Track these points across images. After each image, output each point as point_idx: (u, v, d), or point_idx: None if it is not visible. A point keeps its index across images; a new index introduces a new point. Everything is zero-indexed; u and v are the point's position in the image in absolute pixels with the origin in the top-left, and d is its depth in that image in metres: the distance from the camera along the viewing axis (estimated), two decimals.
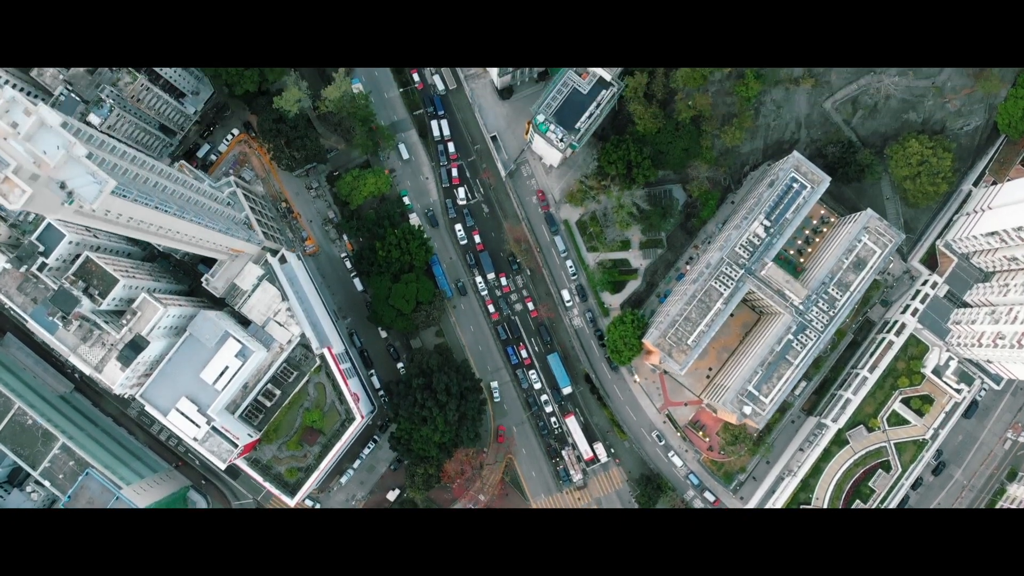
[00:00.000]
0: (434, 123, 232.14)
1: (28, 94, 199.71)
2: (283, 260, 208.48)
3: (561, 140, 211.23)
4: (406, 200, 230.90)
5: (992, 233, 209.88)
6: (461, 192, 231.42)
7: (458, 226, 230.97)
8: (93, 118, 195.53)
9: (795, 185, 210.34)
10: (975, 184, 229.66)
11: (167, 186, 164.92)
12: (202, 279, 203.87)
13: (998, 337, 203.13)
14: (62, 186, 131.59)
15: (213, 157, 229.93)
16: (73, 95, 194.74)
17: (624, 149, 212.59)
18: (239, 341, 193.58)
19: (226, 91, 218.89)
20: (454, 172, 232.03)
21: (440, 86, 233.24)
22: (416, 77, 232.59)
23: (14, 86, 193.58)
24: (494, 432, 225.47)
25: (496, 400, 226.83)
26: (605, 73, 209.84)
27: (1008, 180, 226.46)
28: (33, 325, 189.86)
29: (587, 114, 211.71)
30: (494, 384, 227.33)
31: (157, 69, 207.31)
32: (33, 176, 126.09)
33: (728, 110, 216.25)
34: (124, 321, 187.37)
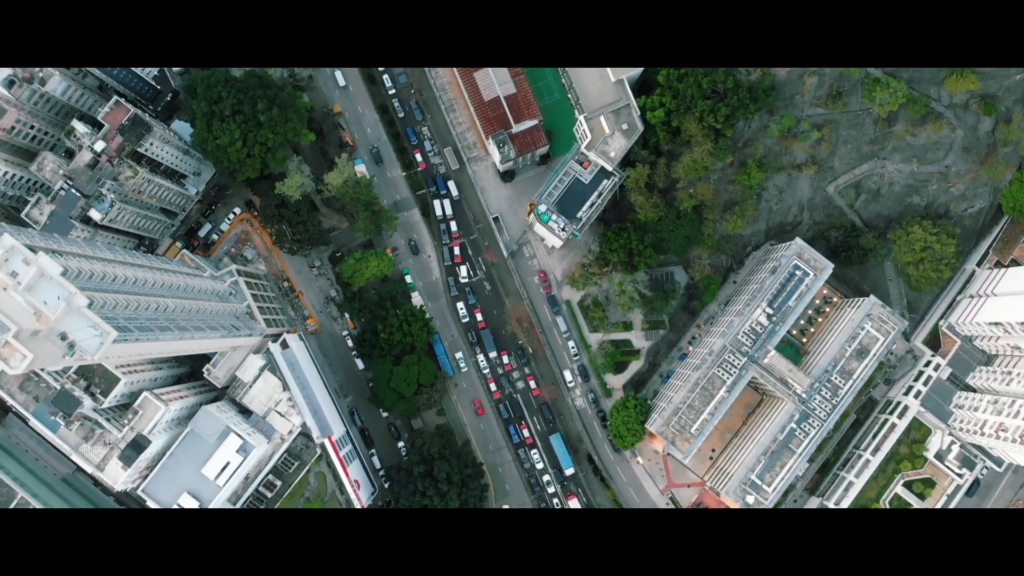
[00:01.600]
0: (436, 202, 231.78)
1: (29, 187, 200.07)
2: (285, 345, 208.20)
3: (563, 229, 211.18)
4: (408, 279, 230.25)
5: (996, 323, 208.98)
6: (463, 270, 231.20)
7: (460, 304, 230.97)
8: (94, 213, 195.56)
9: (798, 272, 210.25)
10: (979, 264, 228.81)
11: (168, 305, 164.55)
12: (203, 369, 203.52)
13: (1000, 428, 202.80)
14: (63, 337, 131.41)
15: (215, 236, 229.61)
16: (73, 190, 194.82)
17: (625, 237, 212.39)
18: (240, 436, 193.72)
19: (228, 176, 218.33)
20: (456, 250, 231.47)
21: (443, 167, 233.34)
22: (419, 157, 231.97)
23: (12, 178, 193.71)
24: None
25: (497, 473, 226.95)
26: (606, 163, 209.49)
27: (1011, 265, 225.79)
28: (35, 423, 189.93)
29: (588, 203, 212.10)
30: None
31: (158, 157, 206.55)
32: (34, 332, 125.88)
33: (730, 197, 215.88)
34: (126, 420, 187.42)
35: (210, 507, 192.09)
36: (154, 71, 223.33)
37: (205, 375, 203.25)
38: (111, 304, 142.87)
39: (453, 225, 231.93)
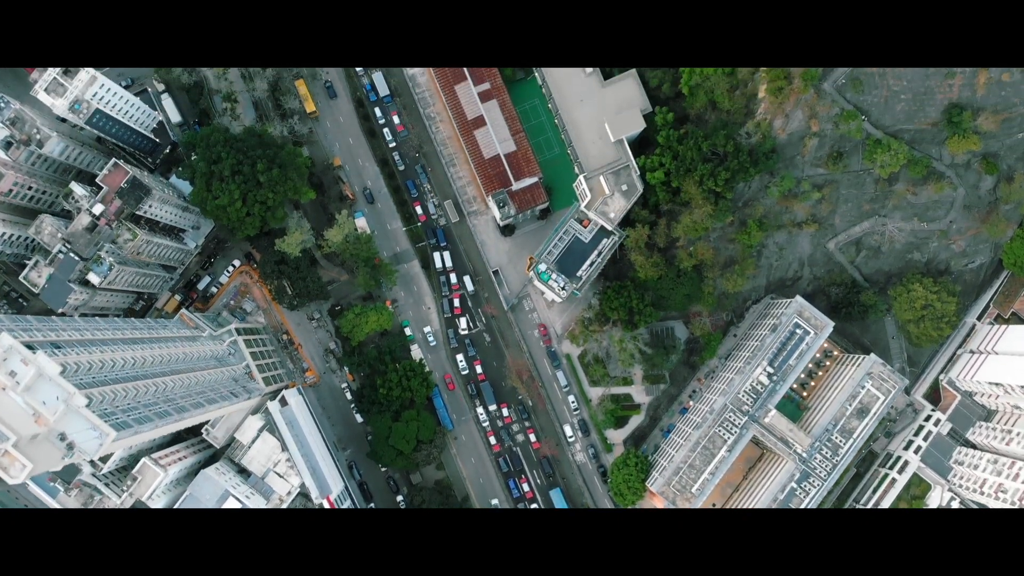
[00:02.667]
0: (436, 254, 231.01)
1: (29, 246, 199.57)
2: (284, 402, 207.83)
3: (563, 288, 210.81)
4: (408, 331, 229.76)
5: (996, 383, 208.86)
6: (463, 322, 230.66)
7: (459, 356, 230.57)
8: (93, 277, 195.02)
9: (798, 331, 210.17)
10: (979, 318, 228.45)
11: (167, 384, 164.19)
12: (203, 429, 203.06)
13: (1000, 490, 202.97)
14: (62, 438, 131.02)
15: (214, 289, 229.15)
16: (72, 254, 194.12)
17: (626, 296, 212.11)
18: (239, 499, 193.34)
19: (227, 231, 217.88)
20: (456, 302, 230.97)
21: (443, 220, 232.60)
22: (419, 210, 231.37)
23: (11, 238, 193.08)
24: None
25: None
26: (606, 223, 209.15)
27: (1012, 319, 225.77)
28: (34, 488, 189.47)
29: (588, 262, 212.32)
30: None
31: (156, 217, 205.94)
32: (33, 436, 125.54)
33: (730, 255, 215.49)
34: (125, 486, 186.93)
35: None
36: (153, 123, 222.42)
37: (204, 435, 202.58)
38: (110, 398, 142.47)
39: (453, 277, 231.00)
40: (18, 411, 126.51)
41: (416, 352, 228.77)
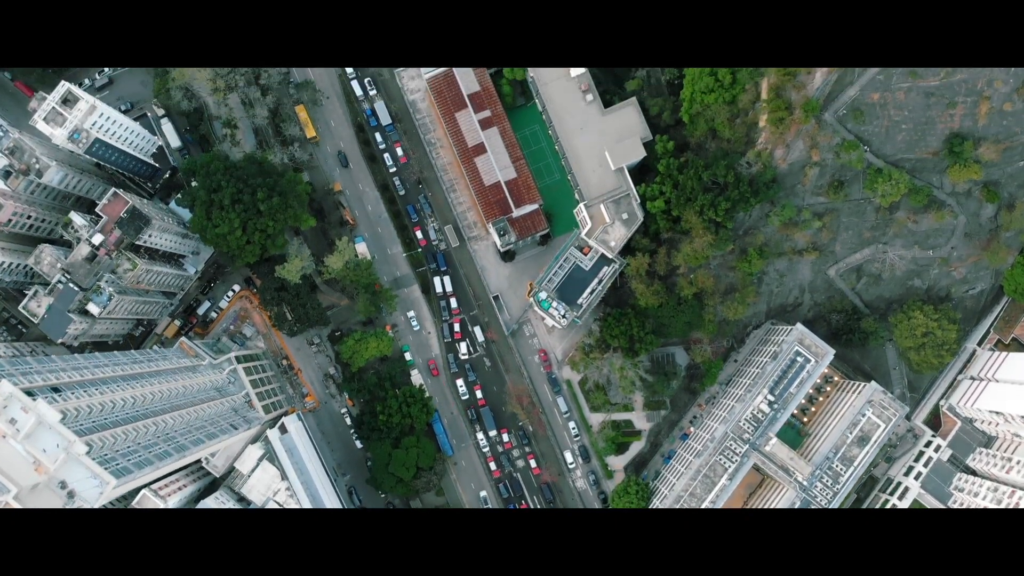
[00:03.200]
0: (437, 279, 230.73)
1: (28, 273, 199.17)
2: (283, 430, 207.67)
3: (564, 316, 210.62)
4: (408, 356, 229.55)
5: (997, 412, 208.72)
6: (463, 347, 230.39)
7: (459, 381, 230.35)
8: (92, 307, 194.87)
9: (799, 359, 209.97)
10: (979, 343, 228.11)
11: (167, 422, 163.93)
12: (202, 459, 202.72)
13: None
14: (62, 486, 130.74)
15: (214, 314, 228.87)
16: (71, 284, 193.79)
17: (626, 323, 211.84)
18: None
19: (227, 258, 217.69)
20: (456, 327, 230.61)
21: (443, 244, 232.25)
22: (419, 235, 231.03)
23: (10, 266, 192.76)
24: None
25: None
26: (607, 251, 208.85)
27: (1013, 344, 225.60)
28: None
29: (589, 290, 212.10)
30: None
31: (156, 246, 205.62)
32: (33, 485, 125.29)
33: (730, 282, 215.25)
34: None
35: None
36: (153, 149, 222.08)
37: (203, 464, 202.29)
38: (110, 443, 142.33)
39: (453, 301, 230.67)
40: (18, 460, 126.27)
41: (416, 377, 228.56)
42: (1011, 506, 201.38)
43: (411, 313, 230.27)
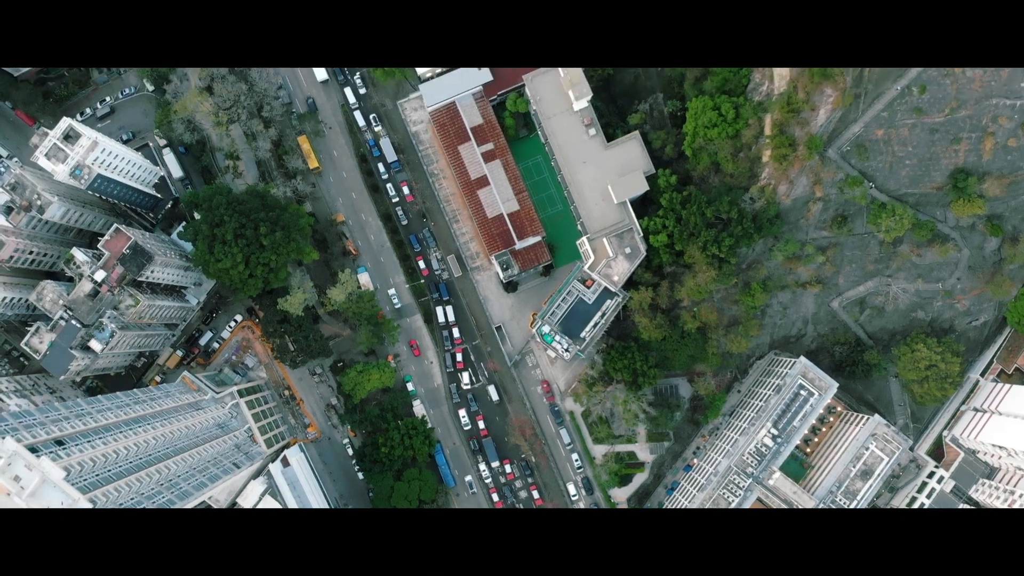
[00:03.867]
0: (439, 309, 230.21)
1: (29, 308, 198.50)
2: (285, 463, 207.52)
3: (567, 350, 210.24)
4: (410, 386, 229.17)
5: (1000, 447, 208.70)
6: (465, 377, 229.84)
7: (462, 411, 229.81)
8: (95, 344, 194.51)
9: (802, 392, 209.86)
10: (983, 374, 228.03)
11: (170, 468, 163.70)
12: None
13: None
14: None
15: (216, 344, 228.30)
16: (73, 321, 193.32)
17: (629, 357, 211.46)
18: None
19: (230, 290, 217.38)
20: (459, 356, 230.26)
21: (446, 274, 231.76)
22: (422, 264, 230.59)
23: (12, 301, 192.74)
24: None
25: None
26: (610, 285, 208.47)
27: (1016, 375, 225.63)
28: None
29: (592, 323, 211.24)
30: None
31: (159, 280, 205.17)
32: None
33: (733, 315, 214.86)
34: None
35: None
36: (155, 179, 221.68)
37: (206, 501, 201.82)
38: (113, 496, 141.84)
39: (456, 331, 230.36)
40: None
41: (418, 408, 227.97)
42: None
43: (392, 291, 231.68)
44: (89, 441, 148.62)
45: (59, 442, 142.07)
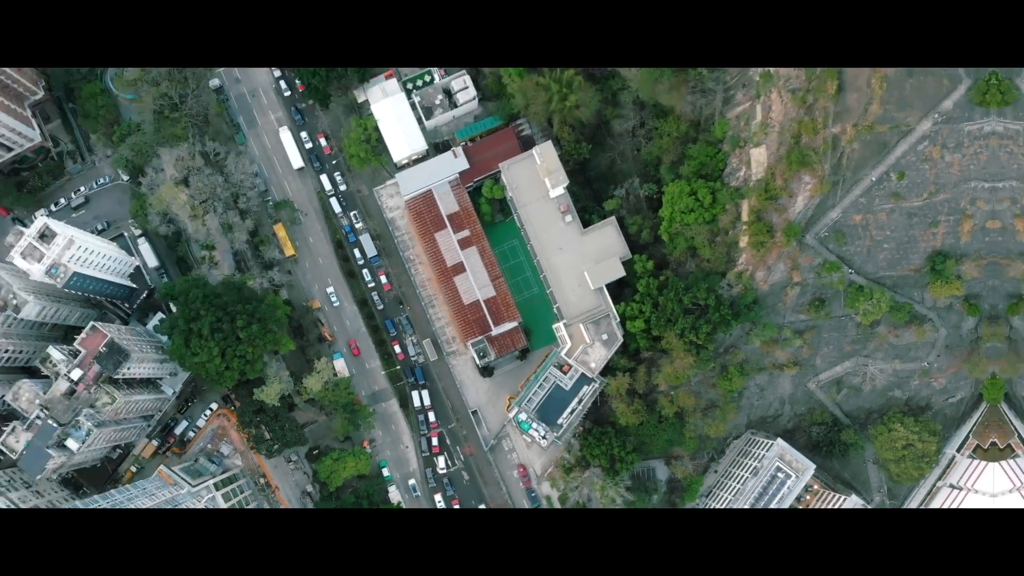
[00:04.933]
0: (415, 393, 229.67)
1: (3, 402, 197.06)
2: None
3: (544, 437, 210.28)
4: (386, 472, 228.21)
5: None
6: (441, 461, 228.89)
7: (438, 496, 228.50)
8: (71, 443, 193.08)
9: (779, 475, 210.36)
10: (959, 450, 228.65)
11: None
12: None
13: None
14: None
15: (191, 433, 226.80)
16: (49, 420, 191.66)
17: (607, 443, 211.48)
18: None
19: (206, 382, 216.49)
20: (434, 440, 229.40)
21: (421, 358, 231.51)
22: (398, 348, 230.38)
23: None
24: None
25: None
26: (587, 372, 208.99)
27: (992, 449, 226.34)
28: None
29: (569, 409, 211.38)
30: None
31: (135, 375, 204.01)
32: None
33: (711, 398, 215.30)
34: None
35: None
36: (130, 269, 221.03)
37: None
38: None
39: (431, 415, 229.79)
40: None
41: (394, 494, 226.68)
42: None
43: (330, 289, 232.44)
44: None
45: None
